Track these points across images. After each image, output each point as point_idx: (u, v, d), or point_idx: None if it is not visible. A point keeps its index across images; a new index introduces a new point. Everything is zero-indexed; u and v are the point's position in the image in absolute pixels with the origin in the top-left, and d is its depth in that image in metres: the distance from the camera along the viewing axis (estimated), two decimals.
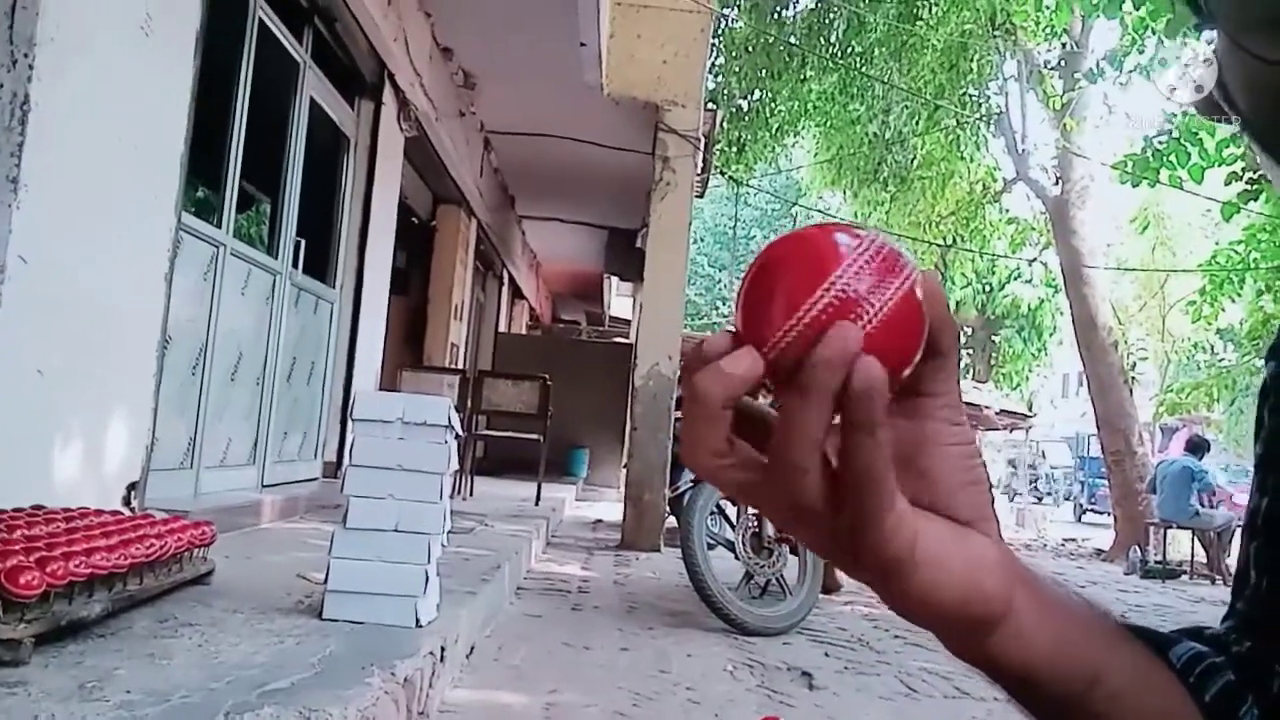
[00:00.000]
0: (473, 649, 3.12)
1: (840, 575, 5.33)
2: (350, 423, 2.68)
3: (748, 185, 14.28)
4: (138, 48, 3.29)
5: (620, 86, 6.86)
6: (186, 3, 3.57)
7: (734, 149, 13.14)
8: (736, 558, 4.23)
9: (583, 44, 6.14)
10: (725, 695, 2.96)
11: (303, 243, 5.21)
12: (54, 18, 2.77)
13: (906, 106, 13.30)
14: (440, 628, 2.72)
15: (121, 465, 3.37)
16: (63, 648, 2.03)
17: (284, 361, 5.11)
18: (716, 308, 31.95)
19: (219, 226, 4.30)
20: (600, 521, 7.89)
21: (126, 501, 3.35)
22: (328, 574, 2.63)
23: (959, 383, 0.41)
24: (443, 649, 2.61)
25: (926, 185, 14.10)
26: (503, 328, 13.27)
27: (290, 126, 5.09)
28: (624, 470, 6.52)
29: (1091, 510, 21.63)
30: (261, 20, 4.54)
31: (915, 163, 13.99)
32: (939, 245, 15.07)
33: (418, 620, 2.63)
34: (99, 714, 1.69)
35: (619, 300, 18.06)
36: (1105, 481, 13.57)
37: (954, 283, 21.08)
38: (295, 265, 5.19)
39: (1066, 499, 26.29)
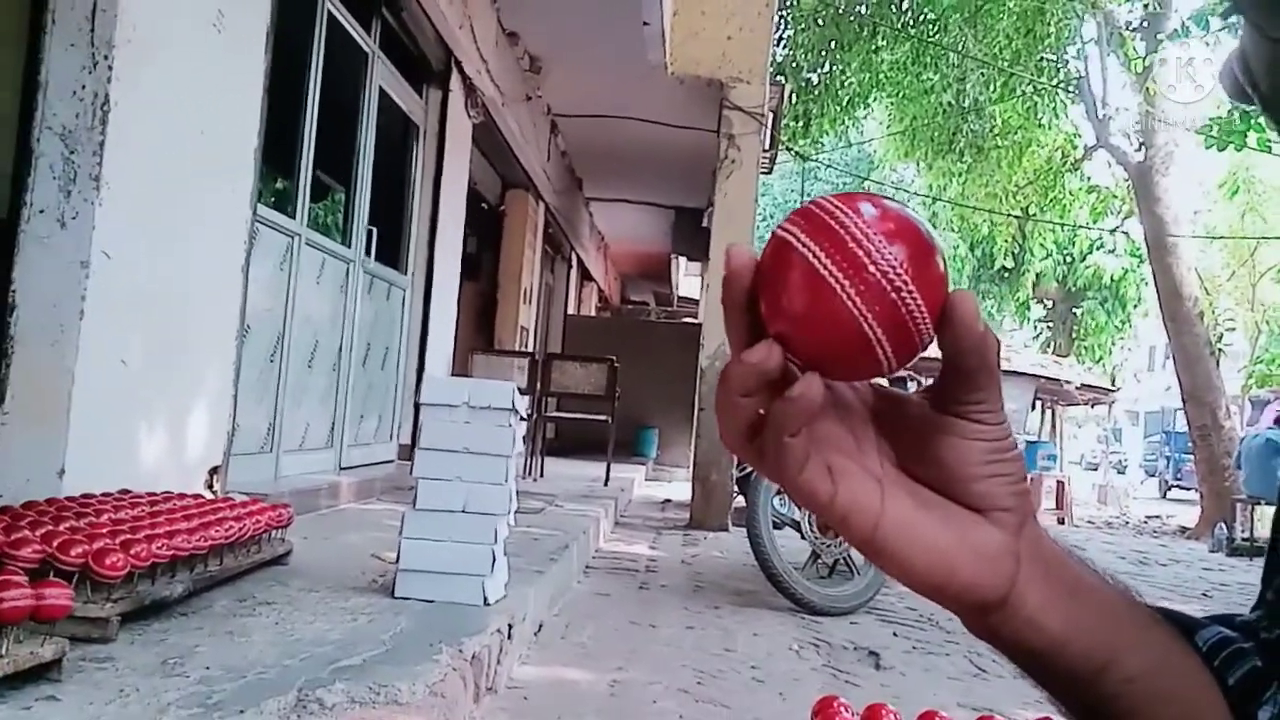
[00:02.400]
0: (540, 627, 3.19)
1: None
2: (420, 402, 2.75)
3: (815, 161, 14.06)
4: (211, 44, 3.40)
5: (684, 65, 6.83)
6: None
7: (801, 123, 12.96)
8: (803, 537, 4.21)
9: (646, 23, 6.12)
10: (790, 674, 2.97)
11: (374, 231, 5.32)
12: (131, 19, 2.88)
13: (982, 74, 12.93)
14: (508, 606, 2.78)
15: (203, 450, 3.51)
16: (147, 626, 2.14)
17: (359, 347, 5.25)
18: None
19: (293, 217, 4.42)
20: (669, 501, 7.93)
21: (209, 485, 3.49)
22: (399, 554, 2.71)
23: (998, 388, 0.43)
24: (510, 627, 2.67)
25: (1003, 155, 13.72)
26: (572, 310, 13.37)
27: (360, 116, 5.19)
28: (692, 450, 6.53)
29: (1177, 486, 20.94)
30: (330, 12, 4.63)
31: (992, 132, 13.60)
32: (1017, 216, 14.68)
33: (485, 599, 2.70)
34: (180, 689, 1.78)
35: (687, 280, 18.03)
36: (1191, 457, 13.13)
37: (1033, 254, 20.50)
38: (368, 253, 5.31)
39: (1151, 475, 25.49)
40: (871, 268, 0.38)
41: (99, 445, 2.92)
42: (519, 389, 2.93)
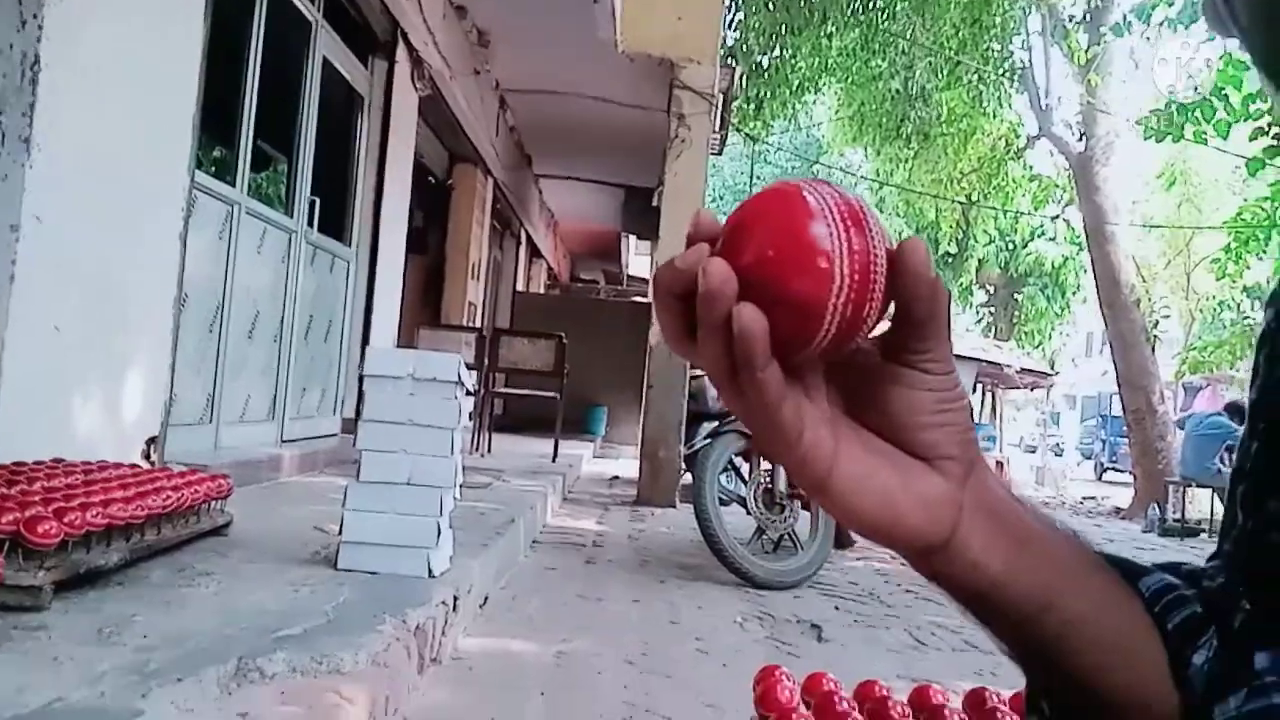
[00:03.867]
0: (486, 599, 3.18)
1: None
2: (363, 379, 2.72)
3: (765, 142, 14.13)
4: (148, 7, 3.30)
5: (635, 43, 6.79)
6: None
7: (752, 106, 12.99)
8: (749, 513, 4.26)
9: (597, 5, 6.08)
10: (734, 646, 3.01)
11: (318, 201, 5.23)
12: None
13: (929, 62, 13.08)
14: (453, 578, 2.77)
15: (140, 420, 3.43)
16: (82, 595, 2.09)
17: (301, 319, 5.16)
18: None
19: (234, 185, 4.32)
20: (617, 478, 7.95)
21: (146, 456, 3.42)
22: (341, 526, 2.68)
23: (946, 338, 0.43)
24: (455, 598, 2.66)
25: (949, 142, 13.92)
26: (520, 287, 13.29)
27: (303, 85, 5.09)
28: (641, 428, 6.55)
29: (1113, 469, 21.54)
30: None
31: (938, 119, 13.78)
32: (961, 202, 14.91)
33: (430, 571, 2.68)
34: (116, 658, 1.74)
35: (637, 259, 18.02)
36: (1126, 440, 13.51)
37: (976, 240, 20.85)
38: (311, 224, 5.21)
39: (1087, 458, 26.19)
40: (866, 240, 0.40)
41: (31, 413, 2.84)
42: (466, 364, 2.91)
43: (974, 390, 23.26)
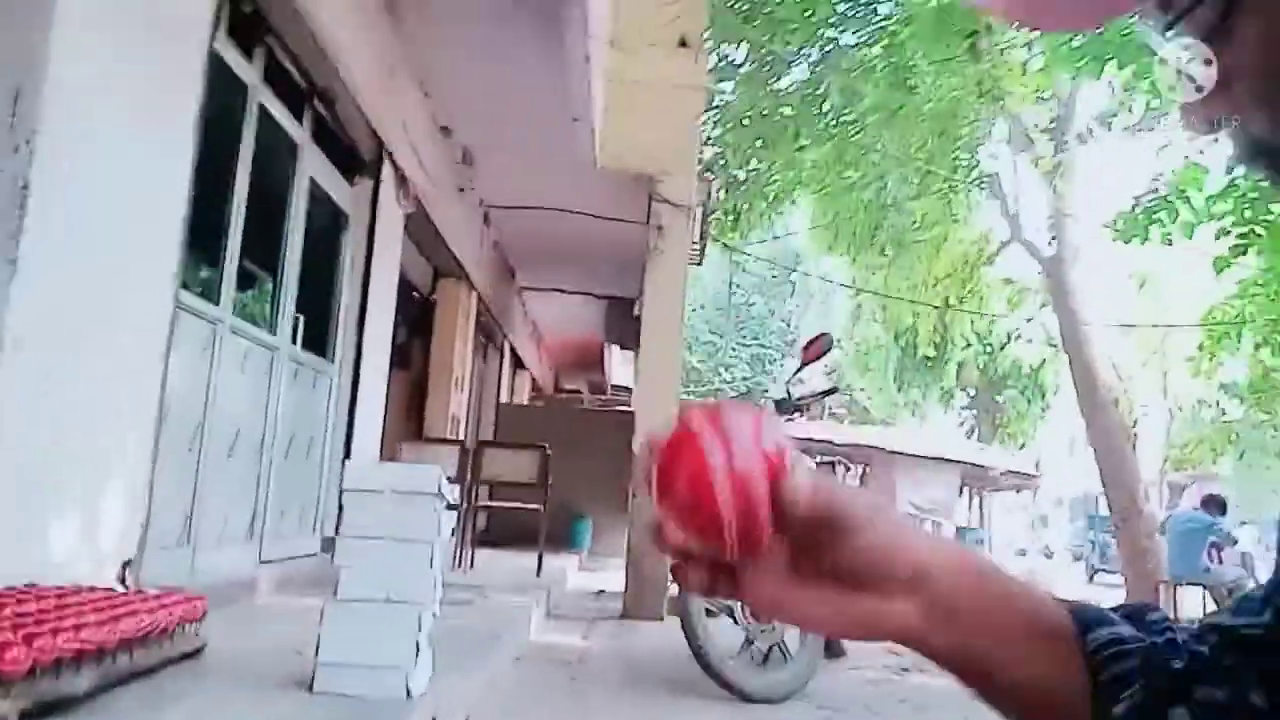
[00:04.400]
0: (467, 719, 3.09)
1: (845, 641, 5.27)
2: (341, 489, 2.70)
3: (742, 252, 14.43)
4: (138, 130, 3.40)
5: (614, 159, 7.01)
6: (186, 86, 3.68)
7: (730, 218, 13.33)
8: (736, 623, 4.19)
9: (575, 119, 6.30)
10: None
11: (301, 319, 5.27)
12: (56, 103, 2.87)
13: (901, 172, 13.52)
14: (432, 699, 2.70)
15: (116, 542, 3.37)
16: None
17: (282, 437, 5.14)
18: (719, 373, 32.00)
19: (218, 304, 4.37)
20: (603, 592, 7.81)
21: (121, 579, 3.35)
22: (318, 647, 2.62)
23: (855, 524, 0.53)
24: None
25: (923, 249, 14.26)
26: (504, 398, 13.30)
27: (289, 205, 5.20)
28: (627, 539, 6.48)
29: (1104, 570, 21.34)
30: (261, 103, 4.67)
31: (912, 226, 14.15)
32: (937, 307, 15.18)
33: (409, 691, 2.61)
34: None
35: (621, 369, 18.12)
36: (1115, 541, 13.43)
37: (954, 344, 21.11)
38: (294, 341, 5.25)
39: (1077, 559, 25.96)
40: (751, 478, 0.50)
41: (6, 536, 2.80)
42: (448, 477, 2.90)
43: (960, 493, 23.19)
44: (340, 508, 2.74)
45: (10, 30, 2.88)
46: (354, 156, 6.03)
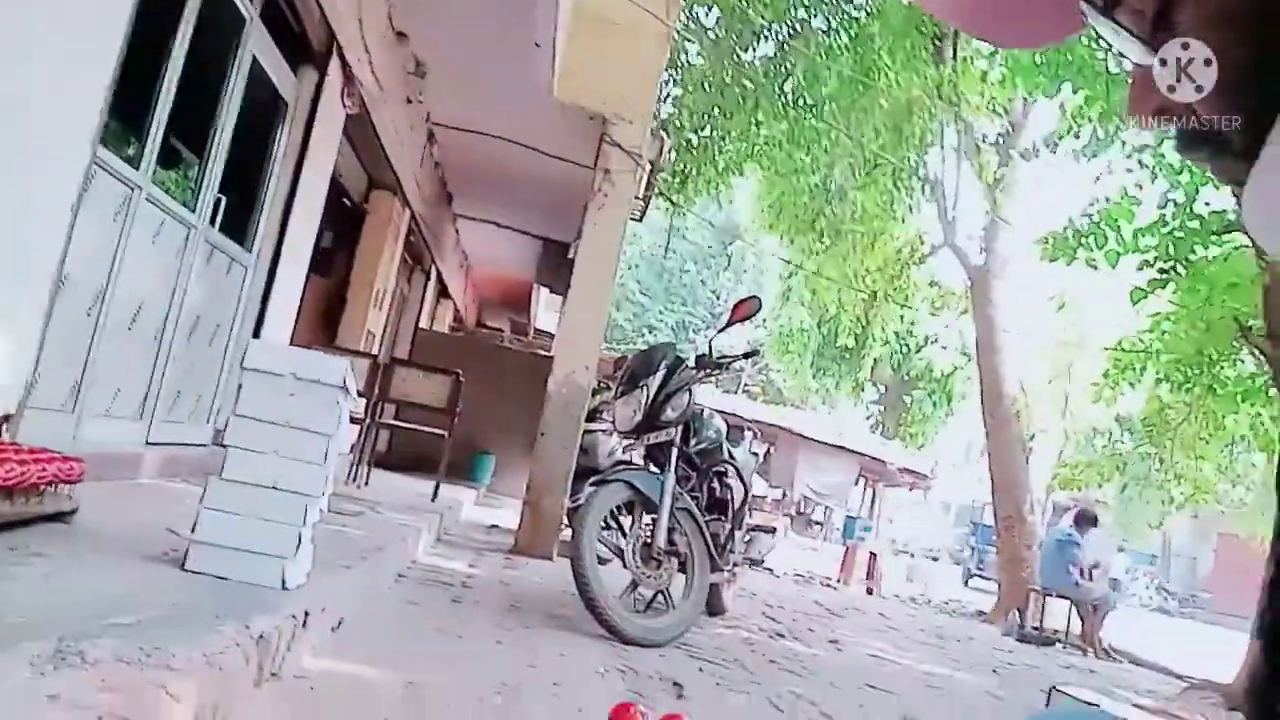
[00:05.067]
0: (341, 623, 3.04)
1: (727, 600, 5.36)
2: (240, 371, 2.60)
3: (688, 211, 14.41)
4: None
5: (570, 94, 6.88)
6: None
7: (678, 180, 13.28)
8: (625, 566, 4.22)
9: (537, 44, 6.16)
10: (591, 693, 2.94)
11: (223, 200, 5.07)
12: None
13: (849, 162, 13.64)
14: (307, 594, 2.64)
15: None
16: None
17: (187, 319, 4.95)
18: (642, 334, 32.08)
19: (137, 169, 4.16)
20: (496, 526, 7.80)
21: None
22: (195, 524, 2.54)
23: None
24: (306, 614, 2.53)
25: (859, 239, 14.45)
26: (425, 324, 13.10)
27: (227, 81, 4.97)
28: (528, 478, 6.45)
29: (979, 575, 22.20)
30: None
31: (851, 216, 14.32)
32: (864, 297, 15.43)
33: (284, 582, 2.56)
34: None
35: (546, 314, 18.00)
36: (994, 549, 13.94)
37: (874, 339, 21.54)
38: (213, 223, 5.04)
39: (956, 564, 26.96)
40: None
41: None
42: (357, 391, 2.83)
43: (856, 483, 23.81)
44: (238, 400, 2.64)
45: None
46: (302, 44, 5.79)
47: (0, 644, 1.57)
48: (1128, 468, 13.97)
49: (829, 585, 11.26)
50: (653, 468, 4.36)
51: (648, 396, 4.26)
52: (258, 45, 5.16)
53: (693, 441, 4.48)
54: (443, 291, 14.28)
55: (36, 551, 2.30)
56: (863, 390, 26.41)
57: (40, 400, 3.59)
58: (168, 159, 5.59)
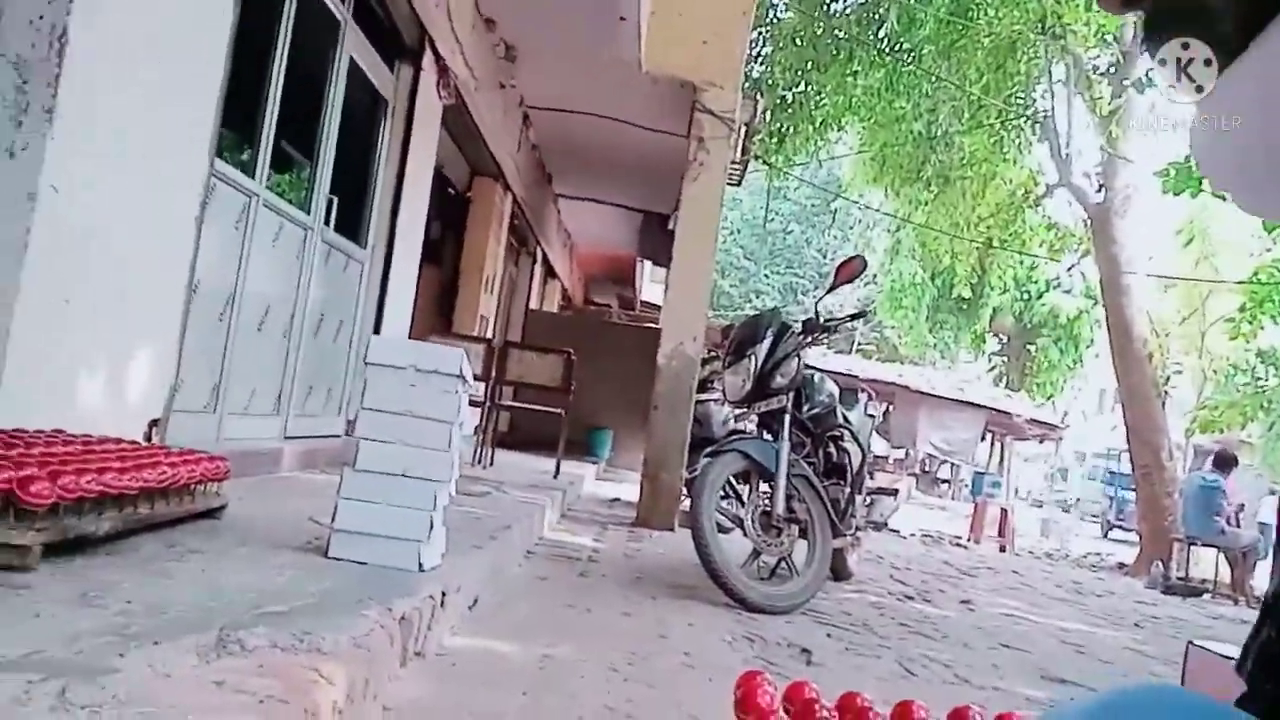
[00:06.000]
0: (475, 601, 3.15)
1: (852, 564, 5.32)
2: (364, 367, 2.71)
3: (785, 172, 14.19)
4: None
5: (659, 65, 6.85)
6: None
7: (775, 140, 13.08)
8: (745, 535, 4.23)
9: (622, 18, 6.14)
10: (720, 662, 2.97)
11: (335, 200, 5.26)
12: None
13: (953, 106, 13.16)
14: (443, 575, 2.75)
15: (143, 401, 3.43)
16: (69, 560, 2.08)
17: (312, 317, 5.17)
18: (749, 299, 31.80)
19: (253, 177, 4.35)
20: (617, 500, 7.91)
21: (147, 438, 3.41)
22: (335, 514, 2.67)
23: None
24: (444, 594, 2.63)
25: (968, 186, 13.96)
26: (534, 305, 13.32)
27: (328, 84, 5.13)
28: (647, 430, 6.51)
29: (1119, 526, 21.35)
30: None
31: (959, 162, 13.85)
32: (978, 245, 14.92)
33: (420, 565, 2.67)
34: (96, 619, 1.73)
35: (652, 285, 18.07)
36: (1133, 498, 13.39)
37: (992, 287, 20.84)
38: (327, 223, 5.24)
39: (1094, 516, 25.95)
40: None
41: (36, 383, 2.85)
42: (474, 375, 2.91)
43: (982, 438, 23.16)
44: (364, 381, 2.76)
45: None
46: (396, 40, 5.93)
47: (169, 636, 1.69)
48: (1273, 406, 13.18)
49: (958, 544, 11.02)
50: (766, 436, 4.35)
51: (756, 365, 4.24)
52: (354, 46, 5.31)
53: (805, 407, 4.44)
54: (549, 272, 14.49)
55: (192, 548, 2.46)
56: (983, 342, 25.62)
57: (184, 403, 3.82)
58: (279, 164, 5.83)
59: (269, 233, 4.55)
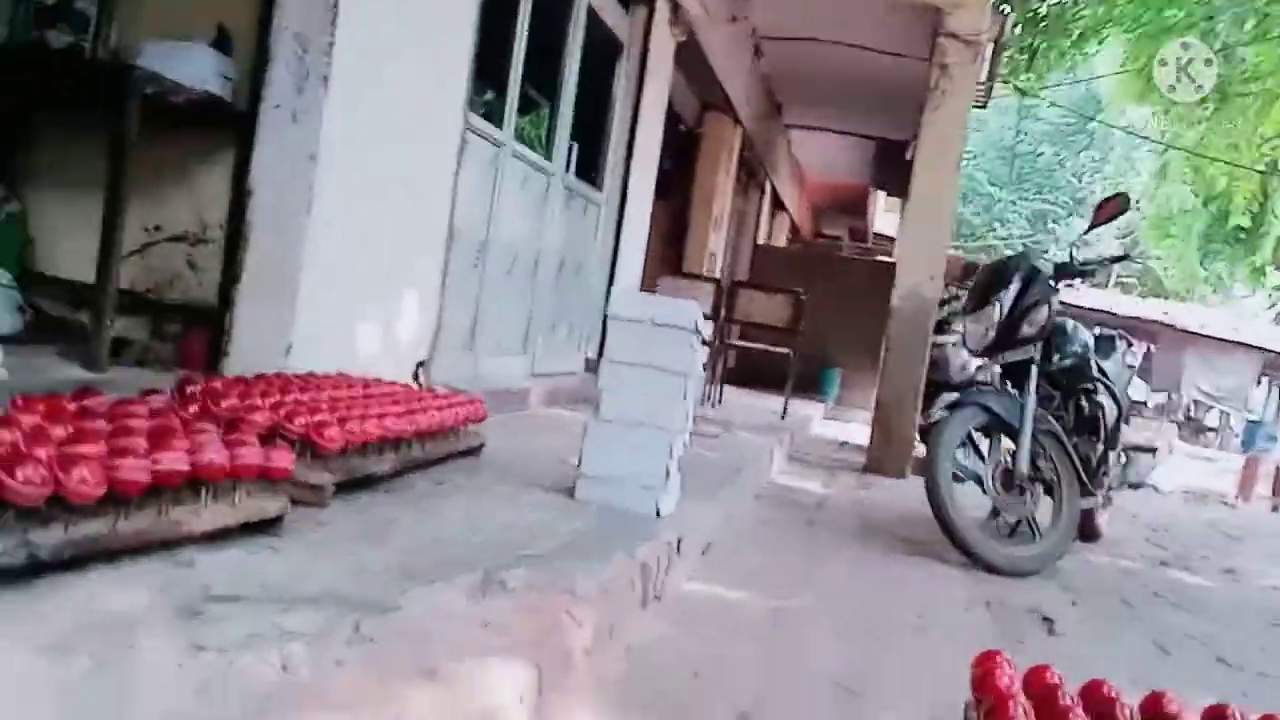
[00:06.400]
0: (708, 546, 3.25)
1: (1101, 525, 5.00)
2: (607, 319, 2.83)
3: (1036, 96, 13.16)
4: None
5: None
6: None
7: (1025, 56, 12.12)
8: (984, 492, 4.07)
9: None
10: (955, 626, 2.91)
11: (575, 146, 5.43)
12: None
13: (1234, 12, 11.64)
14: (678, 521, 2.86)
15: (413, 343, 3.76)
16: (355, 497, 2.33)
17: (553, 259, 5.42)
18: (993, 228, 29.90)
19: (500, 127, 4.57)
20: (846, 443, 7.83)
21: (415, 377, 3.73)
22: (580, 459, 2.82)
23: None
24: (679, 540, 2.74)
25: (1250, 104, 12.38)
26: (762, 238, 13.23)
27: (567, 34, 5.26)
28: (875, 394, 6.38)
29: None
30: None
31: (1240, 76, 12.28)
32: (1260, 171, 13.28)
33: (658, 510, 2.78)
34: (381, 556, 1.94)
35: (885, 216, 17.44)
36: None
37: (1275, 215, 18.51)
38: (568, 169, 5.43)
39: None
40: None
41: (321, 329, 3.18)
42: (704, 314, 2.96)
43: (1257, 383, 20.90)
44: (604, 334, 2.88)
45: None
46: None
47: (443, 575, 1.87)
48: None
49: (1225, 503, 10.07)
50: (1011, 388, 4.13)
51: (1001, 313, 4.01)
52: None
53: (1055, 358, 4.16)
54: (777, 204, 14.30)
55: (457, 485, 2.70)
56: (1263, 276, 22.88)
57: (445, 344, 4.13)
58: (522, 107, 6.06)
59: (515, 180, 4.78)
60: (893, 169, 11.45)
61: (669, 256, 9.26)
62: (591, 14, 5.44)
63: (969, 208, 28.04)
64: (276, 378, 2.60)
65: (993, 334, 4.05)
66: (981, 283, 4.25)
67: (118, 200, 2.91)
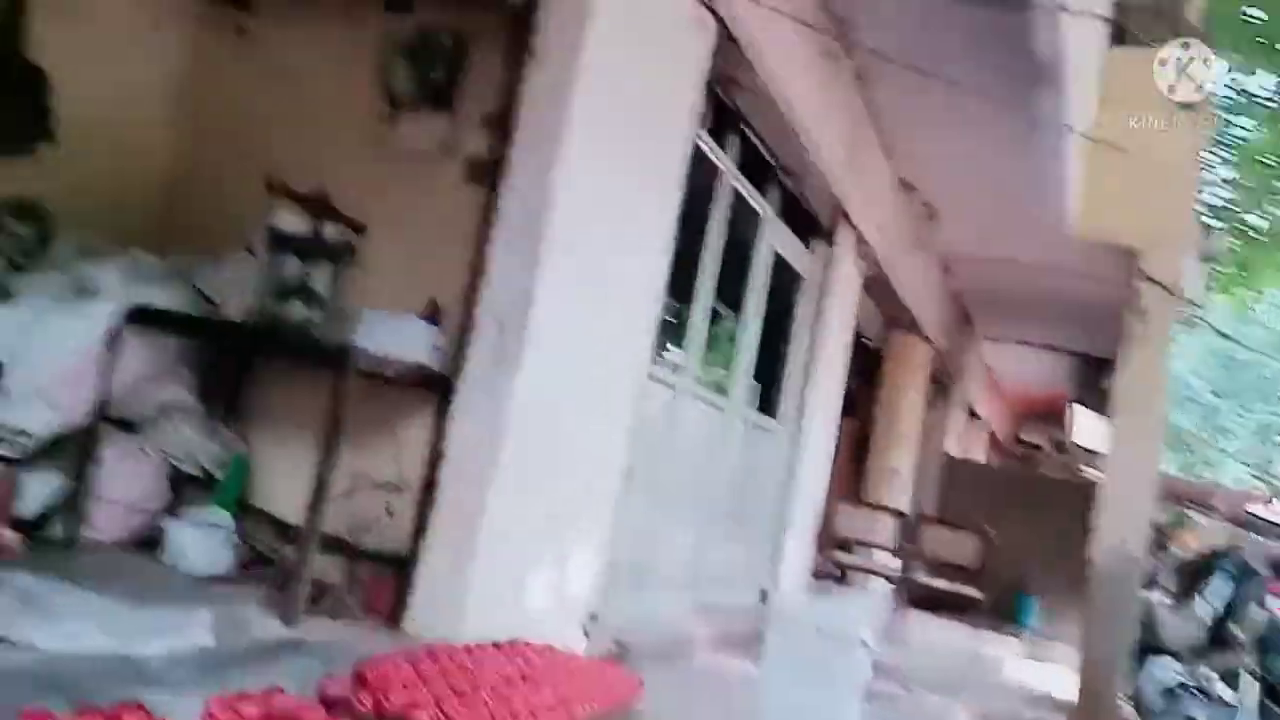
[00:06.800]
0: None
1: None
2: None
3: (1252, 310, 12.32)
4: (624, 228, 3.76)
5: (1094, 225, 6.35)
6: (670, 177, 3.99)
7: (1240, 270, 11.51)
8: None
9: (1050, 186, 5.84)
10: None
11: (758, 385, 5.52)
12: (558, 221, 3.29)
13: None
14: None
15: (584, 594, 3.78)
16: None
17: (728, 492, 5.42)
18: (1216, 439, 27.36)
19: (681, 375, 4.72)
20: (1047, 698, 7.06)
21: (584, 631, 3.74)
22: None
23: None
24: None
25: None
26: (955, 447, 12.74)
27: (749, 276, 5.46)
28: (1081, 638, 5.74)
29: None
30: (733, 185, 4.97)
31: None
32: None
33: None
34: None
35: (1085, 425, 16.47)
36: None
37: None
38: (747, 404, 5.51)
39: None
40: None
41: (497, 583, 3.28)
42: (888, 549, 2.85)
43: None
44: (777, 563, 2.80)
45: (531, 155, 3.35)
46: (813, 224, 6.15)
47: None
48: None
49: None
50: (1224, 692, 3.68)
51: (1210, 615, 3.64)
52: (774, 236, 5.61)
53: (1274, 663, 3.69)
54: (971, 414, 13.83)
55: None
56: None
57: (614, 586, 4.11)
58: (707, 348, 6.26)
59: (693, 418, 4.88)
60: (1092, 384, 10.93)
61: (851, 473, 9.07)
62: (773, 256, 5.64)
63: (1185, 417, 25.95)
64: (444, 654, 2.66)
65: (1200, 635, 3.68)
66: (1189, 571, 3.90)
67: (332, 453, 3.12)
